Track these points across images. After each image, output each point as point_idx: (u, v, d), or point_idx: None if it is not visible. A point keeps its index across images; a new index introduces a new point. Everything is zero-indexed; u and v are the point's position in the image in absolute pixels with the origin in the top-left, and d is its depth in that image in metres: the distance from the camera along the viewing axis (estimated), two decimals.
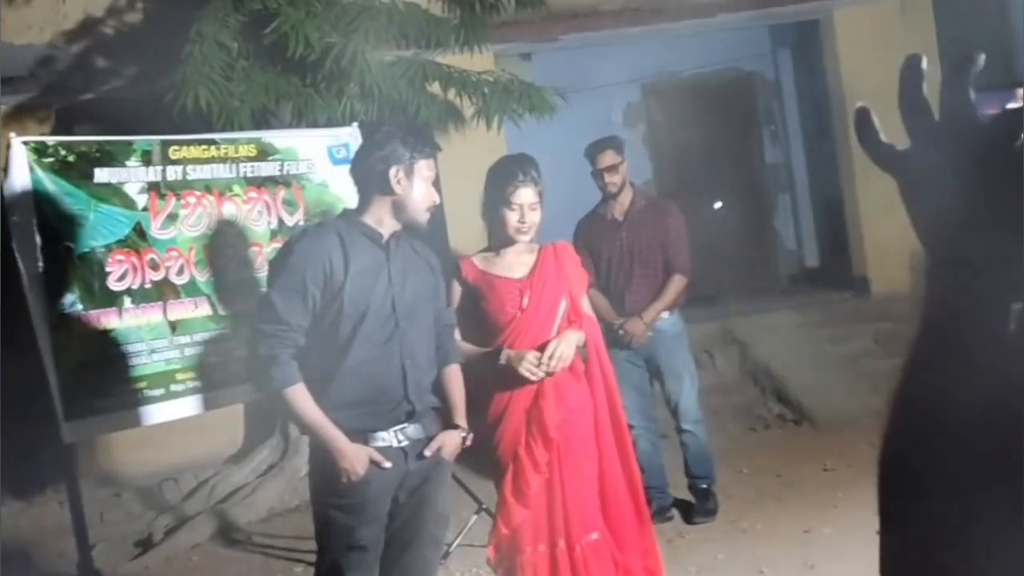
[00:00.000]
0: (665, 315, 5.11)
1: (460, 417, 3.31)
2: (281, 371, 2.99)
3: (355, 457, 3.01)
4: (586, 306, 3.72)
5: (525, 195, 3.56)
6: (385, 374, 3.09)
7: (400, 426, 3.12)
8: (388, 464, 3.06)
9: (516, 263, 3.63)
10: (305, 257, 3.04)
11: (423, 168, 3.15)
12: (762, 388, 7.34)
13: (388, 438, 3.10)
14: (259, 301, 3.20)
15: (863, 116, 0.88)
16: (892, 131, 0.88)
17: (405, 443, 3.12)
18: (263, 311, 3.07)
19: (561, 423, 3.52)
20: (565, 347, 3.51)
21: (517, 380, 3.50)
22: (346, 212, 3.29)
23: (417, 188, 3.14)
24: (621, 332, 5.04)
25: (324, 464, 3.05)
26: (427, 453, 3.15)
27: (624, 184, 5.20)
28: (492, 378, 3.54)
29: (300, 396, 3.01)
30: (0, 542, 5.56)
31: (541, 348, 3.51)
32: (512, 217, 3.56)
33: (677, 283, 5.12)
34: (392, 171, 3.09)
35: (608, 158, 5.16)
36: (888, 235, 7.98)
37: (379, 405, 3.10)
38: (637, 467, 3.85)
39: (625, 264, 5.14)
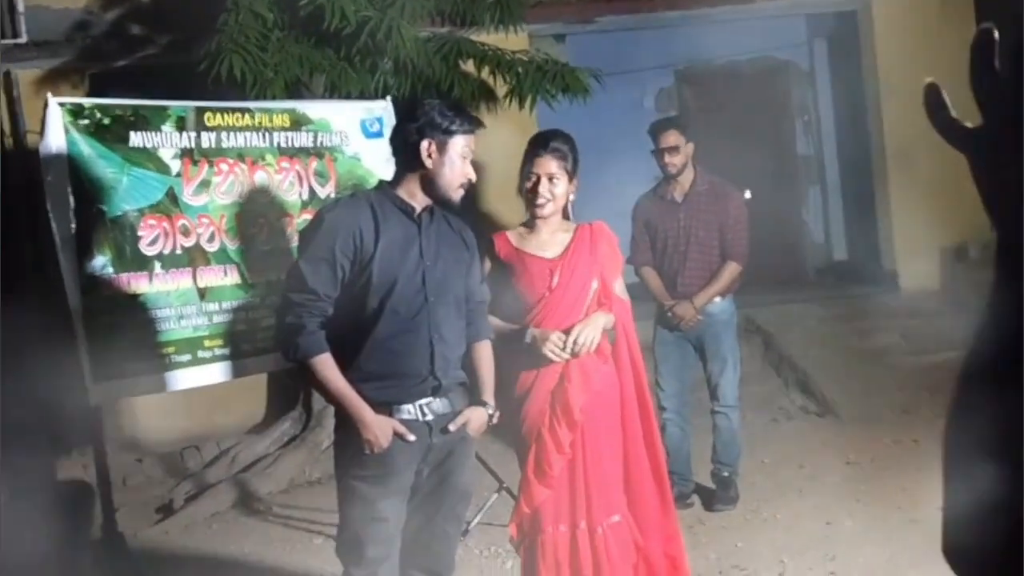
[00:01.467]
0: (717, 300, 5.07)
1: (488, 394, 3.29)
2: (308, 340, 2.98)
3: (379, 429, 3.00)
4: (619, 288, 3.66)
5: (543, 164, 3.50)
6: (412, 349, 3.07)
7: (426, 400, 3.11)
8: (412, 437, 3.04)
9: (550, 241, 3.59)
10: (335, 227, 3.02)
11: (459, 144, 3.08)
12: (785, 379, 7.30)
13: (413, 411, 3.08)
14: (288, 270, 3.19)
15: (933, 93, 0.86)
16: (927, 124, 0.87)
17: (430, 417, 3.11)
18: (292, 280, 3.06)
19: (586, 405, 3.49)
20: (591, 330, 3.47)
21: (542, 360, 3.48)
22: (381, 184, 3.27)
23: (450, 164, 3.08)
24: (670, 314, 5.02)
25: (349, 435, 3.05)
26: (451, 428, 3.14)
27: (685, 165, 5.13)
28: (518, 356, 3.52)
29: (326, 365, 3.00)
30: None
31: (569, 329, 3.48)
32: (526, 186, 3.53)
33: (731, 270, 5.07)
34: (424, 144, 3.05)
35: (670, 138, 5.09)
36: (919, 231, 7.93)
37: (405, 379, 3.08)
38: (663, 452, 3.82)
39: (681, 246, 5.10)
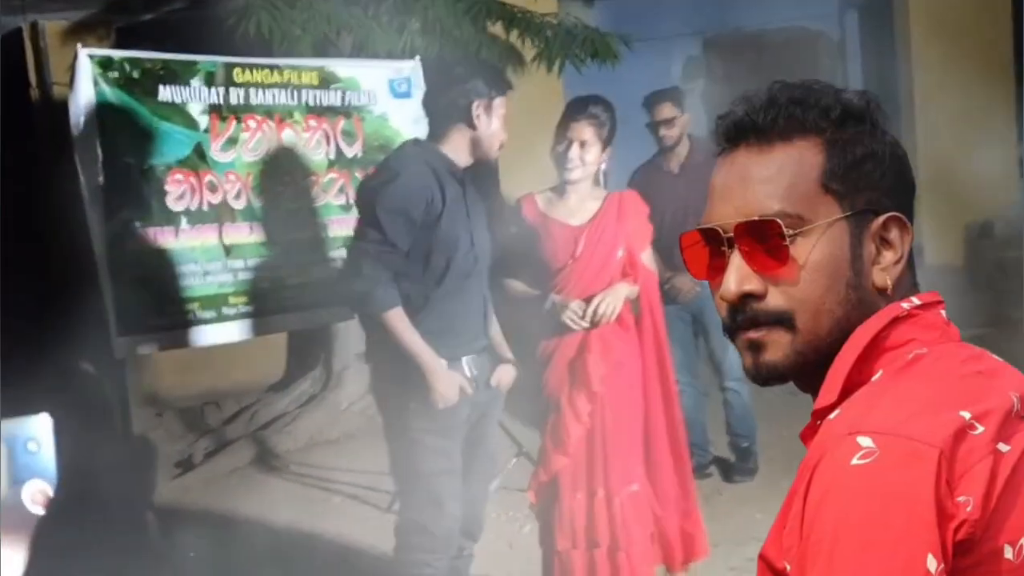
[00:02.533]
0: None
1: (508, 352, 3.36)
2: (384, 292, 3.00)
3: (450, 382, 3.04)
4: (646, 259, 3.64)
5: (577, 129, 3.47)
6: (469, 307, 3.15)
7: (472, 357, 3.19)
8: (470, 390, 3.11)
9: (578, 209, 3.56)
10: (411, 182, 3.04)
11: (499, 105, 3.15)
12: None
13: (464, 367, 3.14)
14: (361, 221, 3.15)
15: None
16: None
17: (475, 374, 3.16)
18: (369, 230, 3.05)
19: (606, 375, 3.48)
20: (612, 300, 3.45)
21: (563, 328, 3.46)
22: (422, 143, 3.25)
23: (493, 124, 3.14)
24: (668, 287, 4.99)
25: (412, 390, 3.05)
26: (492, 382, 3.23)
27: (681, 137, 5.08)
28: (539, 322, 3.51)
29: (400, 319, 3.02)
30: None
31: (590, 298, 3.46)
32: (559, 150, 3.50)
33: None
34: (474, 105, 3.08)
35: (665, 111, 5.05)
36: (944, 207, 7.83)
37: (461, 336, 3.14)
38: (683, 427, 3.80)
39: (679, 218, 5.05)
